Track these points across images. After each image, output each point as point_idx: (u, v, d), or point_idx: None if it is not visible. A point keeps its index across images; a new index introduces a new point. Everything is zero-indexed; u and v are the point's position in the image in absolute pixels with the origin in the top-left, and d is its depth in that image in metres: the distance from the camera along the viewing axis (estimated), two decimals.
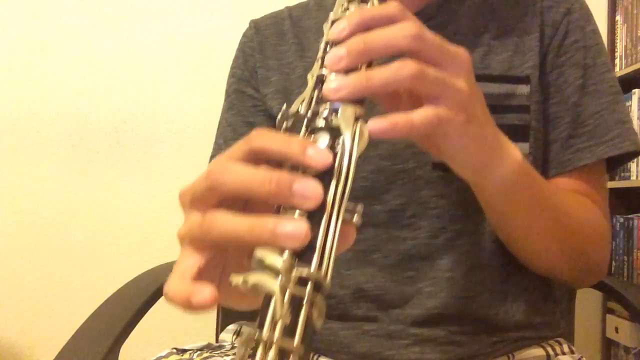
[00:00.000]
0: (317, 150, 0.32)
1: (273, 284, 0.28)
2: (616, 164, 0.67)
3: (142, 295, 0.72)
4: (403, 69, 0.36)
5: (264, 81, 0.71)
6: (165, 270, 0.86)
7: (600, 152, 0.62)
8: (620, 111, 0.64)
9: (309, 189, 0.30)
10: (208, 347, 0.68)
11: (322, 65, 0.38)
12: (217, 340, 0.78)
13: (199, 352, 0.65)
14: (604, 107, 0.64)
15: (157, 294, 0.75)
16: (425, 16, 0.61)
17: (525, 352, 0.62)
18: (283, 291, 0.28)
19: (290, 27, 0.73)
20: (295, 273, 0.29)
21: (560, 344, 0.65)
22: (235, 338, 0.73)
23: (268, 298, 0.28)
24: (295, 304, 0.28)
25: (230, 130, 0.72)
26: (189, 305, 0.31)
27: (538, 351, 0.62)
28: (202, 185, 0.33)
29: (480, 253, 0.61)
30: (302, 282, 0.29)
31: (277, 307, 0.28)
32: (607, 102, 0.64)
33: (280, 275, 0.28)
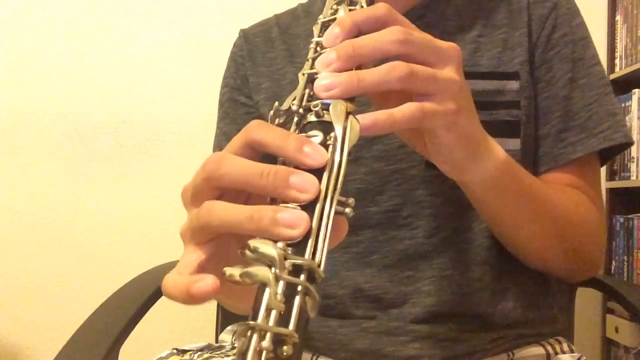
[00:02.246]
0: (314, 148, 0.32)
1: (267, 272, 0.28)
2: (608, 156, 0.68)
3: (142, 295, 0.72)
4: (393, 70, 0.37)
5: (255, 88, 0.71)
6: (165, 270, 0.86)
7: (593, 144, 0.63)
8: (610, 103, 0.65)
9: (306, 182, 0.31)
10: (208, 347, 0.68)
11: (312, 66, 0.38)
12: (217, 341, 0.78)
13: (199, 352, 0.65)
14: (594, 99, 0.64)
15: (157, 294, 0.75)
16: (412, 16, 0.61)
17: (525, 350, 0.62)
18: (277, 280, 0.28)
19: (279, 34, 0.74)
20: (289, 262, 0.29)
21: (559, 342, 0.65)
22: (236, 338, 0.73)
23: (262, 287, 0.28)
24: (289, 292, 0.28)
25: (225, 139, 0.73)
26: (189, 296, 0.31)
27: (538, 350, 0.63)
28: (199, 177, 0.33)
29: (476, 250, 0.61)
30: (296, 270, 0.29)
31: (272, 296, 0.28)
32: (597, 95, 0.64)
33: (274, 264, 0.28)
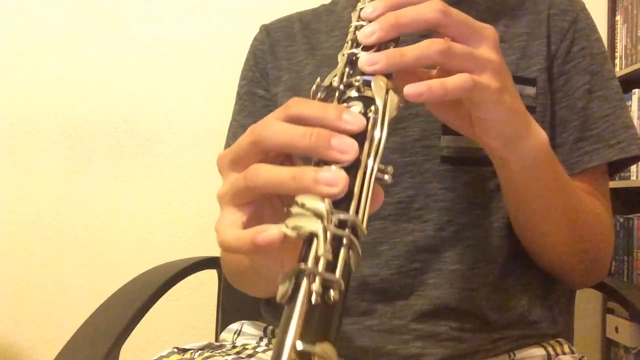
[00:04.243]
0: (352, 115, 0.34)
1: (316, 224, 0.30)
2: (619, 168, 0.69)
3: (142, 295, 0.72)
4: (432, 45, 0.39)
5: (275, 81, 0.73)
6: (165, 270, 0.86)
7: (608, 155, 0.64)
8: (625, 116, 0.66)
9: (346, 144, 0.33)
10: (209, 346, 0.68)
11: (352, 46, 0.41)
12: (217, 340, 0.78)
13: (200, 351, 0.65)
14: (610, 112, 0.65)
15: (157, 294, 0.75)
16: None
17: (526, 351, 0.62)
18: (325, 231, 0.30)
19: (300, 29, 0.75)
20: (335, 216, 0.31)
21: (560, 344, 0.65)
22: (236, 338, 0.73)
23: (310, 238, 0.30)
24: (335, 245, 0.30)
25: (242, 131, 0.73)
26: (254, 246, 0.32)
27: (539, 351, 0.63)
28: (246, 141, 0.35)
29: (485, 247, 0.62)
30: (341, 225, 0.31)
31: (320, 244, 0.29)
32: (613, 108, 0.66)
33: (322, 217, 0.30)
